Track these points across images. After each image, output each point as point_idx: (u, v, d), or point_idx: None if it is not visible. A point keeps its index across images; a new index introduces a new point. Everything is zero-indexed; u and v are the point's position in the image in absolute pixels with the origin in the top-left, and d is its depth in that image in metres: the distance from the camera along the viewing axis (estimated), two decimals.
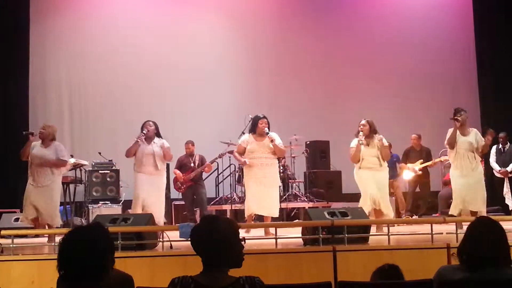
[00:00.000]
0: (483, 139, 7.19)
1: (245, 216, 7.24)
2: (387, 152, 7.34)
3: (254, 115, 7.34)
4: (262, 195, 7.03)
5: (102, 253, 2.24)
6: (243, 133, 7.27)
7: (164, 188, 7.38)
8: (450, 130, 7.23)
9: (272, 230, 6.30)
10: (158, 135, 7.27)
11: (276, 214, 7.18)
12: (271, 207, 7.09)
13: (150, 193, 7.08)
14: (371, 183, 7.05)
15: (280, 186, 8.64)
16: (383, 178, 7.20)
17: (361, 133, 7.15)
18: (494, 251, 2.80)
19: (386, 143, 7.27)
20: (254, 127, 7.18)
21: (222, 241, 2.42)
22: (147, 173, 7.12)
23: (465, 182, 7.06)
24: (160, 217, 7.04)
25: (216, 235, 2.43)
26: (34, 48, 10.60)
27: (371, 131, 7.19)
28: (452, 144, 7.12)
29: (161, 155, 7.17)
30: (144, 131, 7.17)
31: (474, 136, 7.16)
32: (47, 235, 6.61)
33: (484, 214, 6.87)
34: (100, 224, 2.43)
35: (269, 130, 7.12)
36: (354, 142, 7.23)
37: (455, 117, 7.11)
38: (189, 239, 2.52)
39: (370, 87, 11.35)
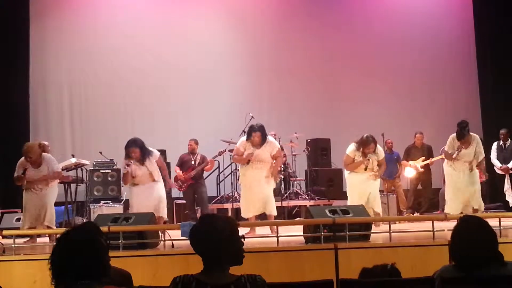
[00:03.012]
0: (482, 152, 7.46)
1: (243, 216, 7.24)
2: (383, 168, 7.63)
3: (250, 126, 7.20)
4: (264, 195, 7.03)
5: (95, 253, 2.22)
6: (244, 131, 7.22)
7: (164, 191, 7.10)
8: (452, 136, 7.46)
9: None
10: (144, 153, 6.82)
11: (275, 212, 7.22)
12: (273, 206, 7.10)
13: (148, 203, 6.78)
14: (363, 189, 7.35)
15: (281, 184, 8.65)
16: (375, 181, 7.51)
17: (370, 155, 7.31)
18: (483, 251, 2.76)
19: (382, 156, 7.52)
20: (249, 136, 7.07)
21: (221, 240, 2.42)
22: (143, 183, 6.88)
23: (464, 183, 7.34)
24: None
25: (215, 235, 2.43)
26: (34, 48, 10.58)
27: None
28: (451, 159, 7.43)
29: (157, 169, 6.91)
30: (129, 162, 6.77)
31: (474, 148, 7.39)
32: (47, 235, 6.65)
33: (483, 209, 7.29)
34: (91, 223, 2.40)
35: (264, 141, 6.99)
36: (350, 148, 7.34)
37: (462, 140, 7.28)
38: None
39: (371, 86, 11.33)
